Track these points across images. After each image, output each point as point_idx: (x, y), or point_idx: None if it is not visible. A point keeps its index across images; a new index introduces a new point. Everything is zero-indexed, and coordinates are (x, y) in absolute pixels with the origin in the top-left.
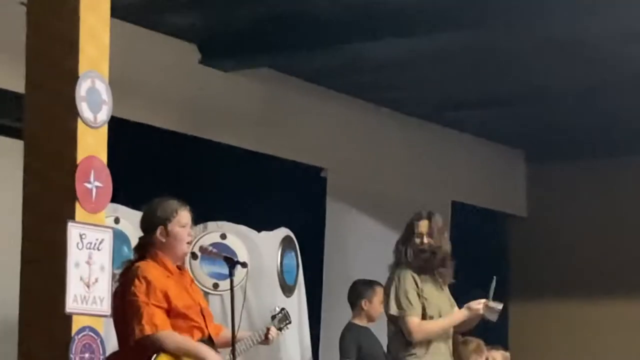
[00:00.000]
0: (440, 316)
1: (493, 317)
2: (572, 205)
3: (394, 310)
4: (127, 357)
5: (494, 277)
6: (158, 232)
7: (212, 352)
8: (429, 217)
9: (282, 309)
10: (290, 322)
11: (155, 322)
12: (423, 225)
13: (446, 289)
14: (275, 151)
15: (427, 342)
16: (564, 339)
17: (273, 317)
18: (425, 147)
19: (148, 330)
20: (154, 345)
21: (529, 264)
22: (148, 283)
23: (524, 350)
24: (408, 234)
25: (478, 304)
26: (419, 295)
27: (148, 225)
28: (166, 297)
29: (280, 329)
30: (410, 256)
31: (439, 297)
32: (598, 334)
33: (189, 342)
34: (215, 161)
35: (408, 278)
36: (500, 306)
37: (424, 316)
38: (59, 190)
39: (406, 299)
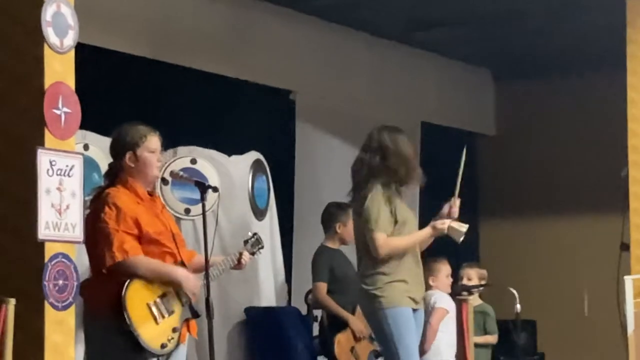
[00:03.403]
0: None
1: (458, 238)
2: (540, 124)
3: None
4: (100, 283)
5: (465, 146)
6: (127, 157)
7: (184, 272)
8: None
9: (255, 233)
10: (262, 247)
11: (125, 249)
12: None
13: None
14: (244, 75)
15: (398, 259)
16: (532, 256)
17: (245, 242)
18: (394, 68)
19: (119, 256)
20: (127, 272)
21: (498, 182)
22: (118, 210)
23: (493, 267)
24: (399, 151)
25: (442, 224)
26: (391, 212)
27: (117, 151)
28: (137, 223)
29: (252, 254)
30: (407, 172)
31: (408, 211)
32: (567, 250)
33: (160, 264)
34: (184, 86)
35: (380, 195)
36: (464, 228)
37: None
38: (27, 117)
39: (376, 215)
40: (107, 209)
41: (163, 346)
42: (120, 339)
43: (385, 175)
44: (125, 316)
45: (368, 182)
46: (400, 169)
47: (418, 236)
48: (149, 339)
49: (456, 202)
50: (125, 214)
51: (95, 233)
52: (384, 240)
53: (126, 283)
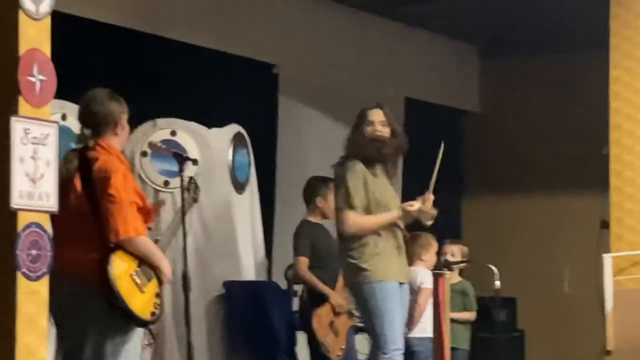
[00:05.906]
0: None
1: (426, 220)
2: (524, 101)
3: (334, 203)
4: (84, 252)
5: (442, 142)
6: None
7: (169, 267)
8: (381, 107)
9: (190, 177)
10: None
11: (137, 226)
12: (375, 115)
13: (392, 182)
14: (226, 47)
15: (376, 235)
16: (513, 233)
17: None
18: (379, 43)
19: (132, 233)
20: (129, 247)
21: (482, 159)
22: (124, 179)
23: (476, 245)
24: (358, 123)
25: (411, 206)
26: (365, 188)
27: (100, 122)
28: (138, 193)
29: (195, 200)
30: (361, 145)
31: (386, 188)
32: (547, 227)
33: (156, 250)
34: (165, 58)
35: (356, 171)
36: (434, 211)
37: (369, 208)
38: (1, 84)
39: (346, 193)
40: (113, 177)
41: (153, 314)
42: (112, 315)
43: (366, 152)
44: (117, 293)
45: (347, 158)
46: (382, 148)
47: (386, 218)
48: (139, 310)
49: (430, 198)
50: (130, 184)
51: (97, 198)
52: (352, 218)
53: (110, 259)
